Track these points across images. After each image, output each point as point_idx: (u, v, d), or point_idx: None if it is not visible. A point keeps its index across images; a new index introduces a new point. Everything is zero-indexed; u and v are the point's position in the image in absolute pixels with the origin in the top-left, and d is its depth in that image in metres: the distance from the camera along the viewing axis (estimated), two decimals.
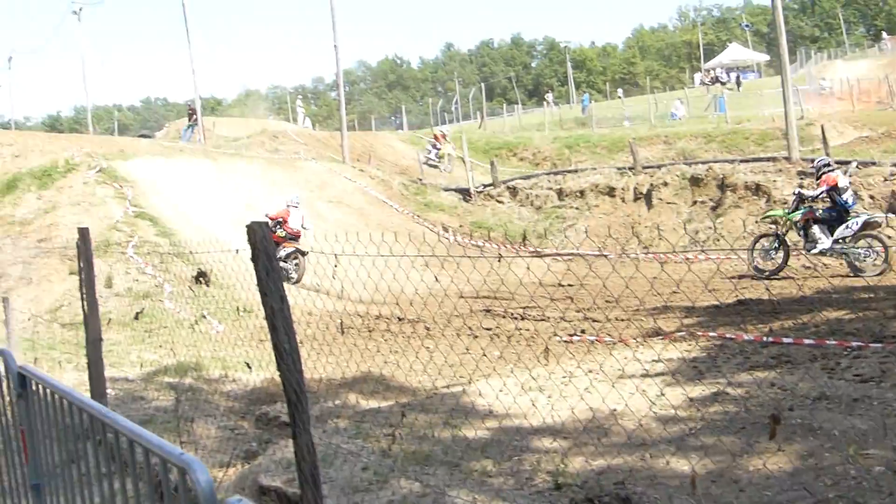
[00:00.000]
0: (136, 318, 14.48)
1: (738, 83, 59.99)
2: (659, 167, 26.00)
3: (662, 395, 6.97)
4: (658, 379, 7.80)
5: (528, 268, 5.31)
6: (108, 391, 7.50)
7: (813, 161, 18.84)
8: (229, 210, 22.18)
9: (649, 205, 24.66)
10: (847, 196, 16.38)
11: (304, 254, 18.45)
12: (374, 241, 5.70)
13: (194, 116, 40.47)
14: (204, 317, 14.21)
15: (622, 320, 12.04)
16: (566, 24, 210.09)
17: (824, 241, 16.06)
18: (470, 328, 12.27)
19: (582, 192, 25.92)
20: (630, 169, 26.08)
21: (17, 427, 4.34)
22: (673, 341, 10.19)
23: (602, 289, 6.33)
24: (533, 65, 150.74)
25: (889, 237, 17.12)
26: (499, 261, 5.25)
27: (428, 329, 12.93)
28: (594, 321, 12.23)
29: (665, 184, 24.67)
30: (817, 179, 16.88)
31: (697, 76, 79.67)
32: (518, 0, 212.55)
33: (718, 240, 21.75)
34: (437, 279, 6.04)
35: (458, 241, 23.24)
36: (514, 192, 27.65)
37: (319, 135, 45.52)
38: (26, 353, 11.82)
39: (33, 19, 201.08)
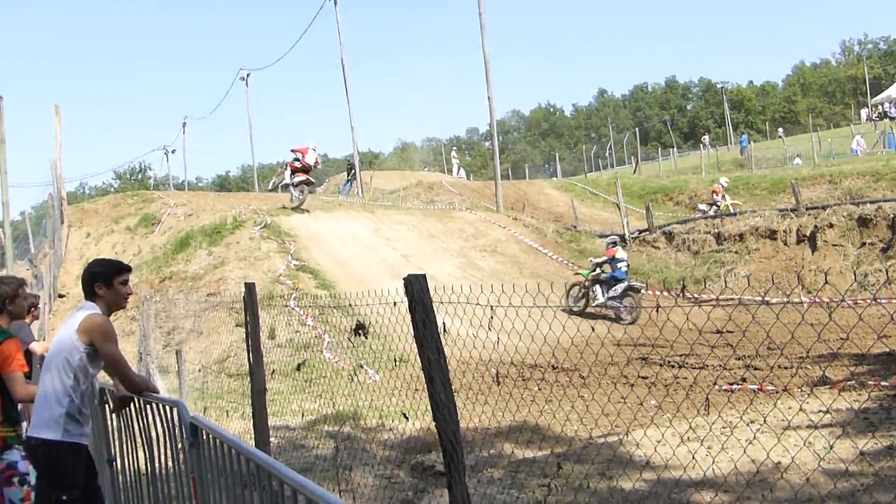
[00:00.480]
0: (298, 368, 14.87)
1: None
2: (823, 208, 24.97)
3: (831, 448, 6.65)
4: (826, 431, 7.45)
5: (687, 315, 5.19)
6: (271, 439, 7.74)
7: None
8: (387, 261, 22.65)
9: (814, 248, 23.70)
10: (621, 265, 21.26)
11: (310, 184, 25.20)
12: (529, 289, 5.71)
13: (353, 171, 41.70)
14: (361, 367, 14.48)
15: (786, 368, 11.59)
16: (722, 65, 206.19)
17: (599, 298, 20.68)
18: (626, 377, 12.06)
19: (741, 236, 25.17)
20: (792, 210, 25.17)
21: (189, 474, 4.53)
22: (842, 391, 9.71)
23: (765, 336, 6.12)
24: (688, 107, 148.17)
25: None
26: (657, 311, 5.16)
27: (583, 378, 12.79)
28: (756, 370, 11.81)
29: (830, 225, 23.68)
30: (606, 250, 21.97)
31: (864, 112, 76.43)
32: (672, 43, 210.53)
33: (890, 283, 20.66)
34: (592, 328, 5.99)
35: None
36: (670, 237, 27.13)
37: (474, 185, 46.09)
38: (197, 403, 12.35)
39: (205, 88, 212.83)
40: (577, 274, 23.52)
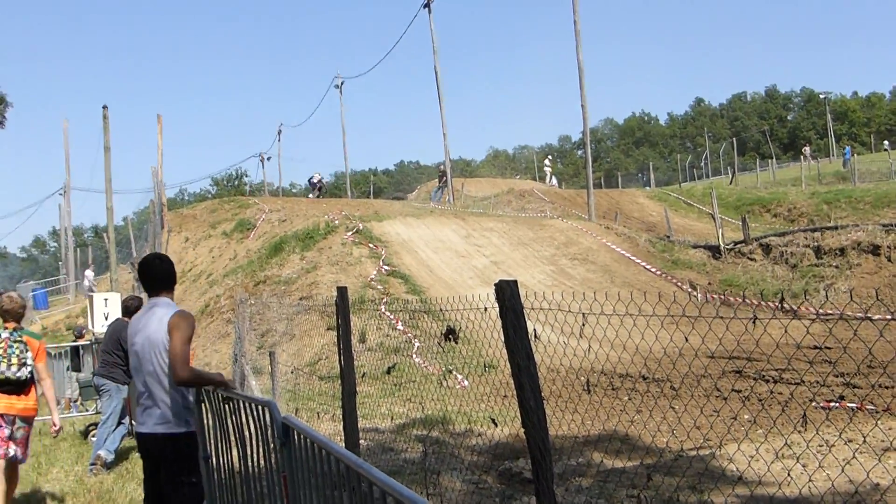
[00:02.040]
0: (388, 372, 14.99)
1: None
2: None
3: None
4: None
5: (786, 329, 5.07)
6: (361, 441, 7.81)
7: None
8: (477, 268, 22.69)
9: None
10: None
11: None
12: (622, 298, 5.64)
13: (444, 178, 41.89)
14: (450, 372, 14.52)
15: (888, 388, 11.21)
16: (826, 74, 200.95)
17: None
18: (719, 390, 11.83)
19: (842, 251, 24.48)
20: None
21: (280, 474, 4.60)
22: None
23: (866, 353, 5.93)
24: (789, 118, 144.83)
25: None
26: (753, 323, 5.05)
27: (675, 389, 12.58)
28: (856, 388, 11.45)
29: None
30: None
31: None
32: (773, 51, 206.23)
33: None
34: (686, 339, 5.89)
35: (708, 299, 22.53)
36: (766, 249, 26.53)
37: (565, 193, 45.88)
38: (288, 404, 12.55)
39: (300, 96, 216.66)
40: None
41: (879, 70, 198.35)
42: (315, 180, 47.35)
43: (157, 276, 5.69)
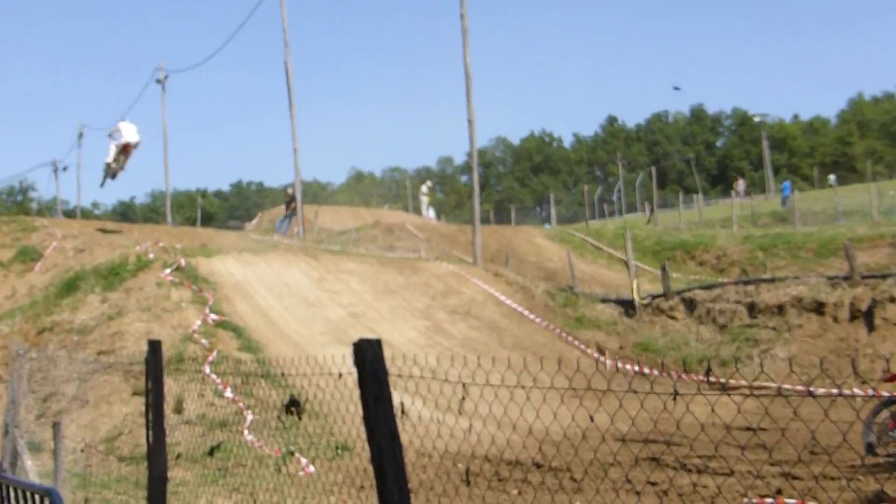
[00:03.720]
0: (211, 453, 14.70)
1: None
2: (884, 277, 25.16)
3: None
4: None
5: (712, 407, 5.16)
6: None
7: None
8: (331, 321, 22.57)
9: (870, 326, 23.84)
10: None
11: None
12: (512, 365, 5.64)
13: (293, 204, 41.64)
14: (292, 454, 14.33)
15: (834, 479, 11.56)
16: (761, 94, 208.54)
17: None
18: (631, 482, 11.97)
19: (781, 308, 25.30)
20: (845, 279, 25.33)
21: None
22: None
23: (809, 437, 6.08)
24: (718, 144, 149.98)
25: None
26: (674, 398, 5.12)
27: (576, 481, 12.68)
28: (796, 479, 11.77)
29: (892, 299, 23.86)
30: None
31: None
32: (700, 64, 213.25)
33: None
34: (591, 418, 5.93)
35: (619, 367, 22.93)
36: (691, 305, 27.22)
37: (445, 229, 46.25)
38: (76, 493, 12.13)
39: (111, 91, 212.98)
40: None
41: (824, 91, 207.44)
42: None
43: None
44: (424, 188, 61.41)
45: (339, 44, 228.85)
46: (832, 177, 68.21)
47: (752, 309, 26.02)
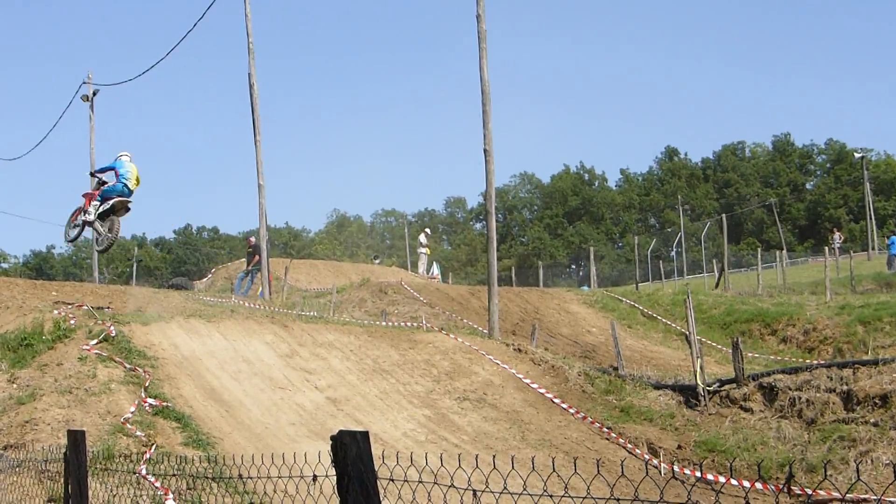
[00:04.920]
0: None
1: None
2: None
3: None
4: None
5: None
6: None
7: None
8: (304, 408, 22.53)
9: None
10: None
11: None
12: (538, 466, 5.65)
13: (257, 257, 41.55)
14: None
15: None
16: (863, 123, 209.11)
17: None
18: None
19: (885, 399, 25.20)
20: None
21: None
22: None
23: None
24: (808, 186, 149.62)
25: None
26: None
27: None
28: None
29: None
30: None
31: None
32: (786, 83, 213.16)
33: None
34: None
35: (676, 473, 22.83)
36: (770, 393, 27.09)
37: (453, 291, 46.19)
38: None
39: (26, 110, 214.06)
40: None
41: None
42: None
43: None
44: (423, 238, 60.71)
45: (318, 55, 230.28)
46: None
47: (848, 399, 25.89)
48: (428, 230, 69.13)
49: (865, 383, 25.94)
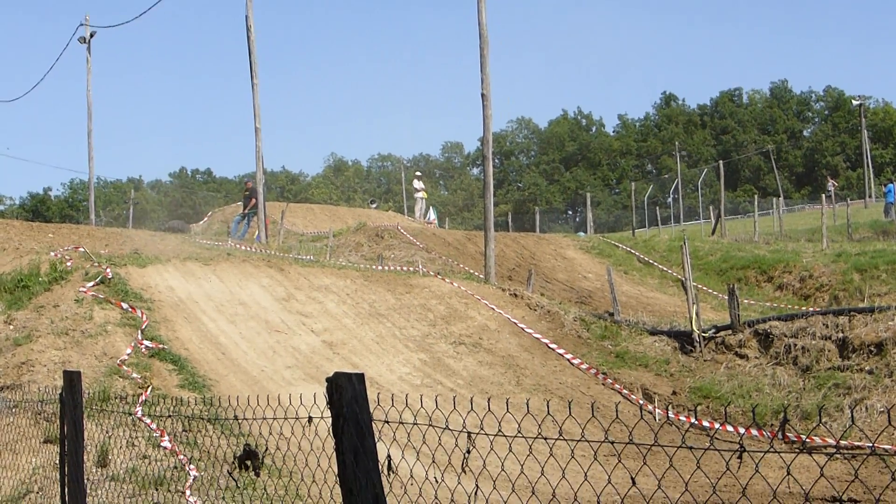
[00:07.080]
0: None
1: None
2: None
3: None
4: None
5: (788, 469, 5.16)
6: None
7: None
8: (301, 351, 22.54)
9: None
10: None
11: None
12: (533, 410, 5.64)
13: (254, 201, 41.35)
14: None
15: None
16: (861, 71, 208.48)
17: None
18: None
19: (880, 346, 25.17)
20: None
21: None
22: None
23: None
24: (805, 133, 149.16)
25: None
26: (739, 457, 5.12)
27: None
28: None
29: None
30: None
31: None
32: (784, 29, 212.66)
33: None
34: (632, 480, 5.94)
35: (671, 419, 22.85)
36: (765, 340, 27.07)
37: (450, 236, 46.11)
38: None
39: (23, 52, 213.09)
40: None
41: None
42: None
43: None
44: (417, 182, 59.96)
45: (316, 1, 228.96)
46: None
47: (843, 347, 25.88)
48: (419, 173, 68.78)
49: (861, 331, 25.91)
